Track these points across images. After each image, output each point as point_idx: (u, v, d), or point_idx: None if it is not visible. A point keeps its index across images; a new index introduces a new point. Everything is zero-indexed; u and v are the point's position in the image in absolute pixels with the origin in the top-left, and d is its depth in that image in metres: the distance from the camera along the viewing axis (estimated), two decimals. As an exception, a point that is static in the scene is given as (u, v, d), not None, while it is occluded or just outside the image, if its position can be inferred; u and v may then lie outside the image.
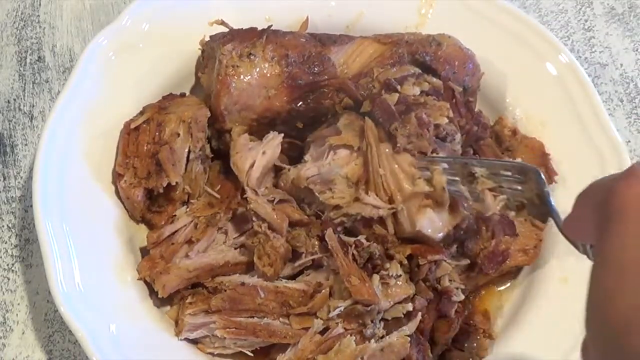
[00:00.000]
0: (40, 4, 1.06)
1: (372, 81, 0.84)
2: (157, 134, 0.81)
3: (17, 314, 0.83)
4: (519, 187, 0.71)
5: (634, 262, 0.37)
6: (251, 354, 0.77)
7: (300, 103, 0.82)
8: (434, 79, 0.83)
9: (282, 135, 0.82)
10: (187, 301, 0.77)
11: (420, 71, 0.84)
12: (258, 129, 0.83)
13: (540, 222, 0.84)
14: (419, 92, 0.81)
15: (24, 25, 1.04)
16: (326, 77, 0.82)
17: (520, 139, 0.91)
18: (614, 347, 0.37)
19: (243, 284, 0.77)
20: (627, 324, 0.36)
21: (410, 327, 0.75)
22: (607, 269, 0.39)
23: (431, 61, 0.86)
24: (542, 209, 0.68)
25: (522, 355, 0.79)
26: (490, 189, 0.73)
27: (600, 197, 0.42)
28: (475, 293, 0.87)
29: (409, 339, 0.73)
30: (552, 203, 0.66)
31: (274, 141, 0.82)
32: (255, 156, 0.80)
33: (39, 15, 1.05)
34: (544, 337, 0.79)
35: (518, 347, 0.80)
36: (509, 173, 0.72)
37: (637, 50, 1.14)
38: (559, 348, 0.77)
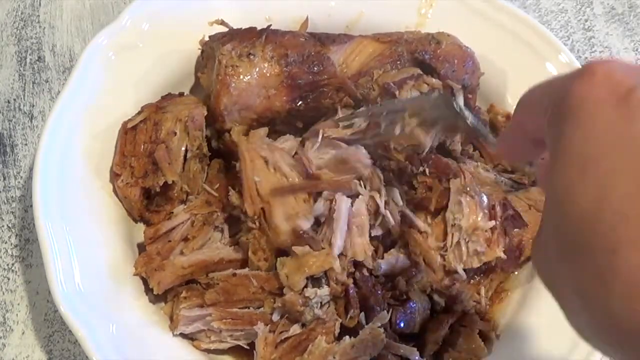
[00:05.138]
0: (40, 4, 1.06)
1: (371, 81, 0.84)
2: (154, 133, 0.81)
3: (17, 314, 0.83)
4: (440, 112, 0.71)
5: (594, 156, 0.37)
6: (247, 347, 0.77)
7: (300, 102, 0.82)
8: (433, 80, 0.84)
9: (300, 139, 0.83)
10: (182, 295, 0.77)
11: (419, 71, 0.84)
12: (258, 129, 0.83)
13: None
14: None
15: (24, 25, 1.04)
16: (326, 76, 0.82)
17: None
18: (574, 238, 0.37)
19: (234, 274, 0.78)
20: (589, 219, 0.36)
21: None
22: (567, 164, 0.39)
23: (430, 59, 0.86)
24: (461, 124, 0.67)
25: (521, 356, 0.79)
26: (420, 124, 0.73)
27: (553, 98, 0.42)
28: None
29: (382, 330, 0.73)
30: (462, 109, 0.66)
31: (290, 142, 0.82)
32: None
33: (39, 15, 1.05)
34: (543, 338, 0.79)
35: (517, 348, 0.80)
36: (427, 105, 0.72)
37: (637, 50, 1.14)
38: (559, 349, 0.77)
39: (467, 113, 0.65)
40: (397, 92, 0.81)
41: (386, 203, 0.79)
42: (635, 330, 0.33)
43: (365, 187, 0.79)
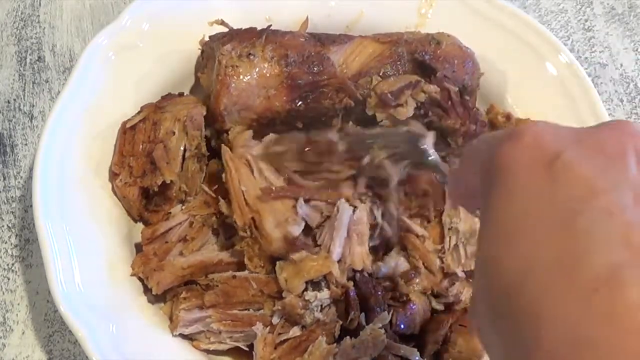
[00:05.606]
0: (40, 4, 1.06)
1: (370, 83, 0.83)
2: (152, 132, 0.81)
3: (17, 314, 0.83)
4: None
5: (519, 228, 0.37)
6: (247, 349, 0.77)
7: (300, 103, 0.82)
8: (431, 87, 0.83)
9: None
10: (182, 296, 0.77)
11: (418, 78, 0.83)
12: (258, 129, 0.83)
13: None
14: (412, 111, 0.81)
15: (24, 25, 1.04)
16: (326, 76, 0.82)
17: (515, 122, 0.91)
18: (502, 309, 0.37)
19: (234, 276, 0.77)
20: (515, 291, 0.36)
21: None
22: (494, 235, 0.38)
23: (430, 60, 0.86)
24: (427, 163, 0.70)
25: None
26: (388, 157, 0.74)
27: (486, 157, 0.42)
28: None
29: (382, 331, 0.73)
30: (428, 150, 0.68)
31: (261, 146, 0.82)
32: None
33: (39, 15, 1.05)
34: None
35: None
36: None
37: (637, 50, 1.14)
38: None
39: (433, 155, 0.67)
40: (394, 104, 0.80)
41: (383, 214, 0.79)
42: None
43: (361, 201, 0.79)
